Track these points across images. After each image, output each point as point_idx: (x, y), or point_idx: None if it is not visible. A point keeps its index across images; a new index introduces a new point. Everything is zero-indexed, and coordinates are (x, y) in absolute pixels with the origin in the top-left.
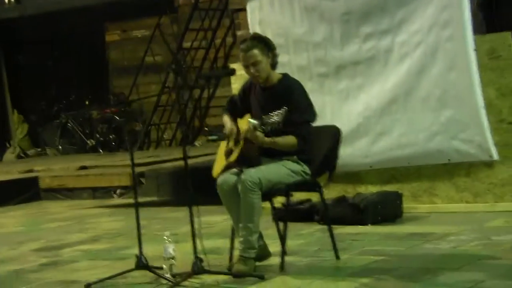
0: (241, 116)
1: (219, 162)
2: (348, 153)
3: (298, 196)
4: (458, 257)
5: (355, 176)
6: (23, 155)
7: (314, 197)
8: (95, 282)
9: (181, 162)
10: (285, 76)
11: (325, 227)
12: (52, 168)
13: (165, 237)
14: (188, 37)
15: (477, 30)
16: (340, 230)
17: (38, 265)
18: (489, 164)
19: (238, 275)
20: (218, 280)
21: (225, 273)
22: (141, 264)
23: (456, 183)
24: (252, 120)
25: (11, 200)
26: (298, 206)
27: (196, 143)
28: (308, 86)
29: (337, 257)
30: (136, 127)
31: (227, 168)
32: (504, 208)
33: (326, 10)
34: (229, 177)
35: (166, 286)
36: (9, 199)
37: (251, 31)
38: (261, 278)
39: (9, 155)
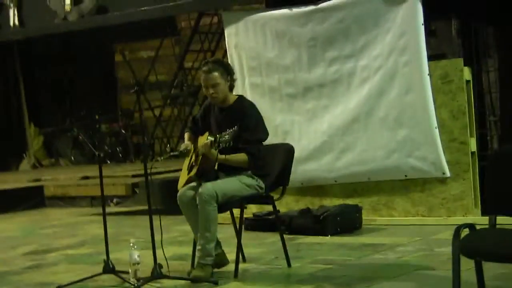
0: (202, 134)
1: (183, 176)
2: (314, 168)
3: (268, 208)
4: (398, 267)
5: (320, 190)
6: (37, 165)
7: (283, 208)
8: (66, 285)
9: (172, 174)
10: (240, 97)
11: (288, 236)
12: (58, 178)
13: (131, 243)
14: (189, 58)
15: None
16: (302, 240)
17: (22, 268)
18: (442, 181)
19: (195, 280)
20: (177, 285)
21: (183, 278)
22: (108, 268)
23: (412, 197)
24: (209, 138)
25: (18, 206)
26: (266, 217)
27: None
28: (278, 106)
29: (289, 265)
30: (140, 140)
31: (188, 181)
32: (455, 222)
33: (295, 35)
34: (188, 190)
35: None
36: (15, 206)
37: (228, 53)
38: (215, 283)
39: (25, 164)
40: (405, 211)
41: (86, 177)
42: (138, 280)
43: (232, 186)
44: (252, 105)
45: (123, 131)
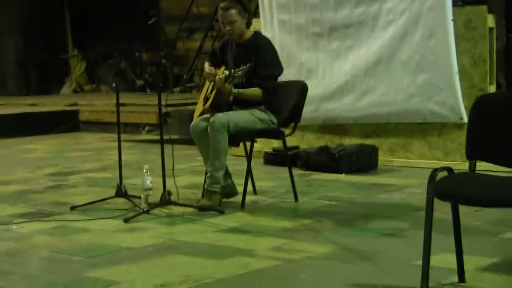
0: (219, 66)
1: (198, 107)
2: (336, 107)
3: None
4: (399, 207)
5: (341, 129)
6: (78, 90)
7: (304, 145)
8: (79, 206)
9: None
10: (256, 34)
11: (304, 172)
12: (94, 103)
13: (144, 170)
14: None
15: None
16: (316, 176)
17: (43, 187)
18: (459, 126)
19: (202, 208)
20: (184, 212)
21: (190, 206)
22: (120, 192)
23: (429, 141)
24: (224, 72)
25: (53, 129)
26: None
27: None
28: (304, 44)
29: (296, 199)
30: (180, 71)
31: (202, 113)
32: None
33: None
34: (201, 121)
35: (138, 213)
36: (51, 128)
37: None
38: (221, 212)
39: (66, 89)
40: (421, 154)
41: (122, 104)
42: (148, 205)
43: (244, 118)
44: (267, 41)
45: (163, 60)
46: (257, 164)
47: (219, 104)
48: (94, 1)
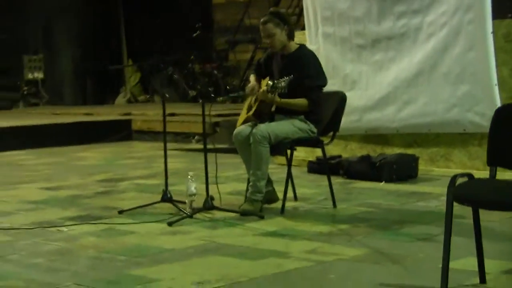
0: (265, 77)
1: (242, 116)
2: (378, 118)
3: (331, 152)
4: (434, 214)
5: (383, 139)
6: (133, 100)
7: (347, 154)
8: (127, 210)
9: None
10: (301, 46)
11: (346, 180)
12: (146, 113)
13: (189, 176)
14: (284, 4)
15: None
16: (357, 185)
17: (94, 192)
18: None
19: (244, 213)
20: (226, 216)
21: (232, 211)
22: (166, 197)
23: (470, 151)
24: (269, 82)
25: (106, 138)
26: (329, 161)
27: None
28: (348, 56)
29: (334, 206)
30: (232, 81)
31: (246, 121)
32: (509, 177)
33: None
34: (244, 129)
35: (181, 217)
36: (104, 137)
37: (303, 3)
38: (261, 217)
39: (120, 99)
40: (461, 164)
41: (172, 114)
42: (192, 210)
43: (284, 128)
44: (312, 54)
45: (215, 72)
46: (301, 172)
47: (261, 113)
48: (148, 14)
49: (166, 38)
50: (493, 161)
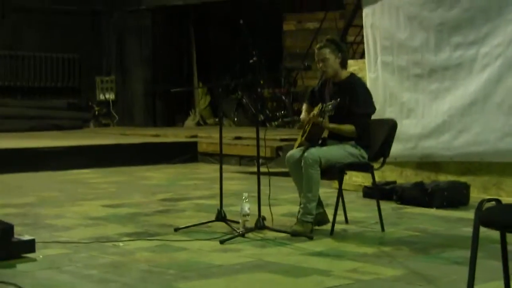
0: (317, 105)
1: (298, 140)
2: (433, 145)
3: (387, 178)
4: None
5: (437, 166)
6: (202, 123)
7: (402, 180)
8: (182, 228)
9: None
10: (352, 74)
11: (399, 205)
12: (212, 136)
13: (243, 197)
14: (352, 32)
15: None
16: (409, 210)
17: (153, 211)
18: None
19: (293, 234)
20: (277, 236)
21: (283, 231)
22: (220, 217)
23: None
24: (320, 106)
25: (172, 159)
26: (384, 186)
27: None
28: (406, 85)
29: (382, 229)
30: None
31: (300, 145)
32: None
33: (425, 19)
34: (295, 153)
35: (233, 235)
36: (170, 158)
37: (364, 32)
38: (311, 238)
39: (189, 122)
40: None
41: (238, 137)
42: (244, 229)
43: (335, 153)
44: (361, 82)
45: (283, 97)
46: (357, 197)
47: (313, 137)
48: (219, 38)
49: (237, 61)
50: None
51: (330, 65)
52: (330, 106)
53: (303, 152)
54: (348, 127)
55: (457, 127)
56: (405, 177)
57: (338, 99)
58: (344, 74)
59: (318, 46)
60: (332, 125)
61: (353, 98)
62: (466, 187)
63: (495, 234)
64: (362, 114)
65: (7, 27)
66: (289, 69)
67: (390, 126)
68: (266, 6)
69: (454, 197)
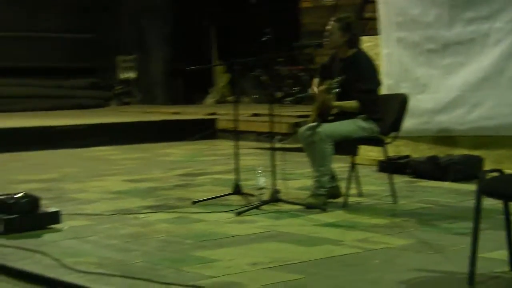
0: (327, 79)
1: (311, 116)
2: (447, 120)
3: (401, 152)
4: (487, 211)
5: (451, 140)
6: (222, 101)
7: (417, 154)
8: (199, 200)
9: None
10: (358, 51)
11: (412, 179)
12: (231, 113)
13: (257, 171)
14: (370, 8)
15: None
16: (423, 183)
17: (172, 185)
18: None
19: (307, 206)
20: (292, 208)
21: (297, 203)
22: (237, 190)
23: None
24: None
25: (192, 136)
26: (398, 161)
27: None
28: (419, 60)
29: (394, 202)
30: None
31: (312, 121)
32: None
33: None
34: (308, 128)
35: (249, 207)
36: (190, 135)
37: (378, 9)
38: (324, 210)
39: (209, 99)
40: None
41: (256, 114)
42: (260, 201)
43: (347, 127)
44: (366, 58)
45: (301, 74)
46: (371, 171)
47: (323, 113)
48: (237, 16)
49: (255, 40)
50: None
51: (333, 39)
52: (335, 84)
53: (315, 127)
54: (351, 103)
55: (470, 101)
56: (420, 152)
57: (343, 76)
58: (351, 51)
59: (332, 19)
60: (336, 103)
61: (357, 74)
62: (479, 160)
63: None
64: (365, 90)
65: (26, 9)
66: (300, 47)
67: (401, 101)
68: None
69: (468, 170)
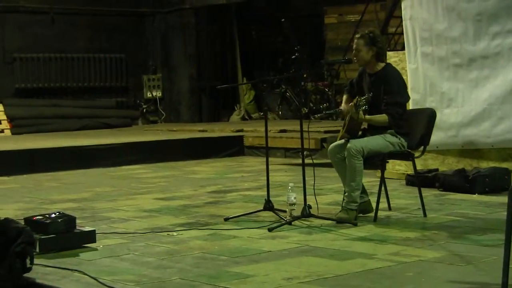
0: (356, 96)
1: (340, 132)
2: (474, 133)
3: (429, 166)
4: None
5: (478, 153)
6: (247, 118)
7: (444, 168)
8: (231, 217)
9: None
10: (387, 65)
11: (441, 192)
12: (258, 130)
13: (289, 187)
14: (393, 23)
15: None
16: (451, 196)
17: (203, 202)
18: None
19: (338, 221)
20: (322, 223)
21: (328, 219)
22: (267, 206)
23: None
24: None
25: (219, 153)
26: (426, 174)
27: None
28: (445, 75)
29: (424, 215)
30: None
31: (341, 138)
32: None
33: (463, 10)
34: (337, 144)
35: (281, 223)
36: (218, 152)
37: (403, 24)
38: (355, 224)
39: (235, 116)
40: None
41: (283, 131)
42: (291, 217)
43: (376, 142)
44: (396, 72)
45: (326, 89)
46: (400, 185)
47: (352, 129)
48: (263, 34)
49: (280, 56)
50: None
51: (361, 56)
52: (363, 100)
53: (345, 143)
54: (381, 117)
55: (497, 114)
56: (447, 165)
57: (371, 94)
58: (380, 65)
59: (356, 35)
60: (366, 117)
61: (387, 88)
62: (506, 172)
63: None
64: (394, 103)
65: (57, 31)
66: (329, 63)
67: (429, 116)
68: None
69: (496, 183)
